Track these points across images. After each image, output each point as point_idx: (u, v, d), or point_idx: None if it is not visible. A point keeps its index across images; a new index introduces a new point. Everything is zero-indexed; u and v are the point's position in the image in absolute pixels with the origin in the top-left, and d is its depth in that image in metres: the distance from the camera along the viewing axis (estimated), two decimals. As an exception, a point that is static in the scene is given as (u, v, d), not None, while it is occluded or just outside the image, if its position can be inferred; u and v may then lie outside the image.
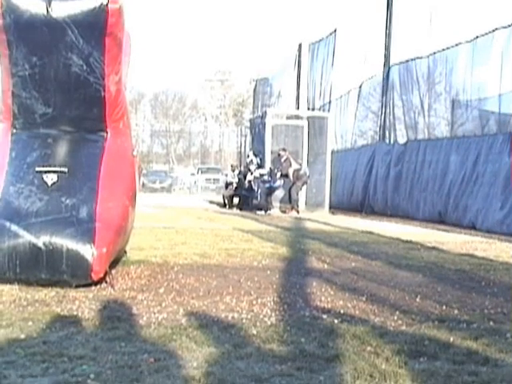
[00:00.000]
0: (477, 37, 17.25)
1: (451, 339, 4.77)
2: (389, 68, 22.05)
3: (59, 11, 6.21)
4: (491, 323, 5.38)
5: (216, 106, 78.95)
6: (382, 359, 4.21)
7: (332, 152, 22.76)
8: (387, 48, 22.04)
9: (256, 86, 38.38)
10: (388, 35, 22.01)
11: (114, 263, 7.03)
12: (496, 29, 16.50)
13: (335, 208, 22.18)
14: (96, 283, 6.33)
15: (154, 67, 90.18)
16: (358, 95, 24.91)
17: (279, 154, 20.69)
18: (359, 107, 24.92)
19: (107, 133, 7.04)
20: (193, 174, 54.65)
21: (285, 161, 20.45)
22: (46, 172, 6.61)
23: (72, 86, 6.57)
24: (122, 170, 7.17)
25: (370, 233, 13.39)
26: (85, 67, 6.46)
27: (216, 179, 48.62)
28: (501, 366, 4.16)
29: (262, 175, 20.99)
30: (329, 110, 25.66)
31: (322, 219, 17.71)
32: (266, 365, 4.03)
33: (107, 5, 6.25)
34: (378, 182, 21.92)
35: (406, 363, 4.14)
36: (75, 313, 5.31)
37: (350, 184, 24.03)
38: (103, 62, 6.49)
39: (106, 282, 6.43)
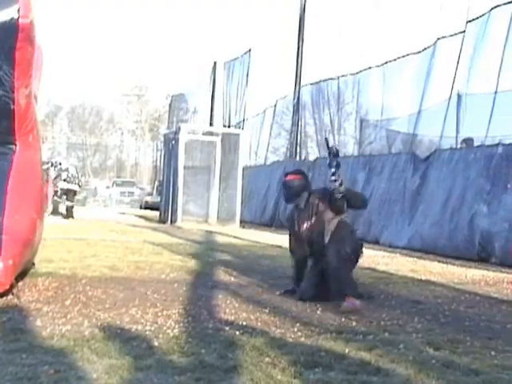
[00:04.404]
0: (387, 62, 17.89)
1: (346, 350, 4.90)
2: (299, 88, 22.53)
3: (-31, 24, 6.18)
4: (386, 334, 5.54)
5: (133, 121, 78.36)
6: (278, 370, 4.30)
7: (245, 168, 23.03)
8: (299, 68, 22.53)
9: (172, 101, 38.44)
10: (299, 56, 22.49)
11: (21, 275, 7.00)
12: (407, 54, 17.16)
13: (249, 223, 22.39)
14: (2, 295, 6.28)
15: (71, 81, 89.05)
16: (273, 113, 25.32)
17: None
18: (273, 125, 25.33)
19: (16, 146, 6.99)
20: (108, 187, 53.99)
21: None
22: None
23: (-19, 98, 6.54)
24: (31, 183, 7.14)
25: (279, 247, 13.45)
26: (-6, 80, 6.44)
27: (131, 192, 48.30)
28: (392, 376, 4.30)
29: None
30: (243, 128, 25.96)
31: (233, 233, 17.89)
32: (165, 376, 4.06)
33: (18, 19, 6.23)
34: (288, 198, 22.21)
35: (301, 374, 4.24)
36: (-22, 325, 5.24)
37: (263, 199, 24.30)
38: (13, 75, 6.45)
39: (13, 294, 6.39)
